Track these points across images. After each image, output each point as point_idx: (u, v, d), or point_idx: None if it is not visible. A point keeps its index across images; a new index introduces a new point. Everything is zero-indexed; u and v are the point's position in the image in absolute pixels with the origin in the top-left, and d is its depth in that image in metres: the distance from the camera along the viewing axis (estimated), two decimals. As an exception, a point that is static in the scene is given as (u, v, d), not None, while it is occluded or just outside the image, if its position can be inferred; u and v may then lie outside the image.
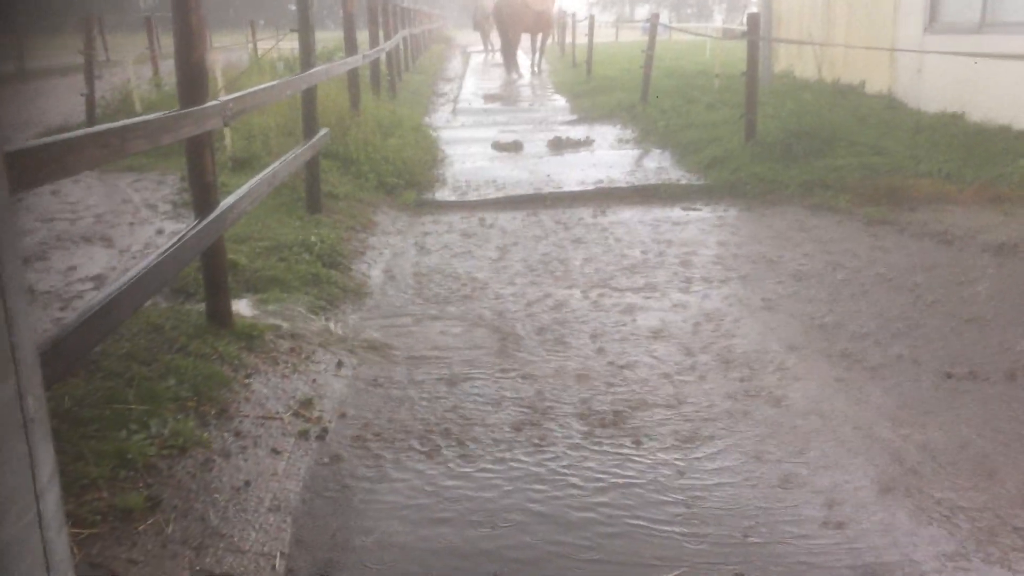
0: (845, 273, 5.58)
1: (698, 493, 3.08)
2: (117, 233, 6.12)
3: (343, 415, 3.76)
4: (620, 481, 3.16)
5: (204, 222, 3.73)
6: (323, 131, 6.79)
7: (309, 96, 6.51)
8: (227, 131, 7.90)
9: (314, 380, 4.08)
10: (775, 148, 8.69)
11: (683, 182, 8.37)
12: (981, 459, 3.27)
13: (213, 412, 3.52)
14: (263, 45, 19.45)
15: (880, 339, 4.47)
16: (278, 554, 2.75)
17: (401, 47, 17.58)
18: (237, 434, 3.44)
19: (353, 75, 9.82)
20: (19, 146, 2.03)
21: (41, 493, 1.22)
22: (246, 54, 21.82)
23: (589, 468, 3.26)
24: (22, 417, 1.18)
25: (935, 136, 9.06)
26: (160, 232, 6.10)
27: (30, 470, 1.19)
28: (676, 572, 2.60)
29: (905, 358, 4.22)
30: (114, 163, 8.24)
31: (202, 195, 3.89)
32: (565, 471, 3.25)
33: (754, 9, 13.41)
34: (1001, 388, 3.87)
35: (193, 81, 3.75)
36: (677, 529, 2.86)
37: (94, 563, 2.55)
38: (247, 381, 3.87)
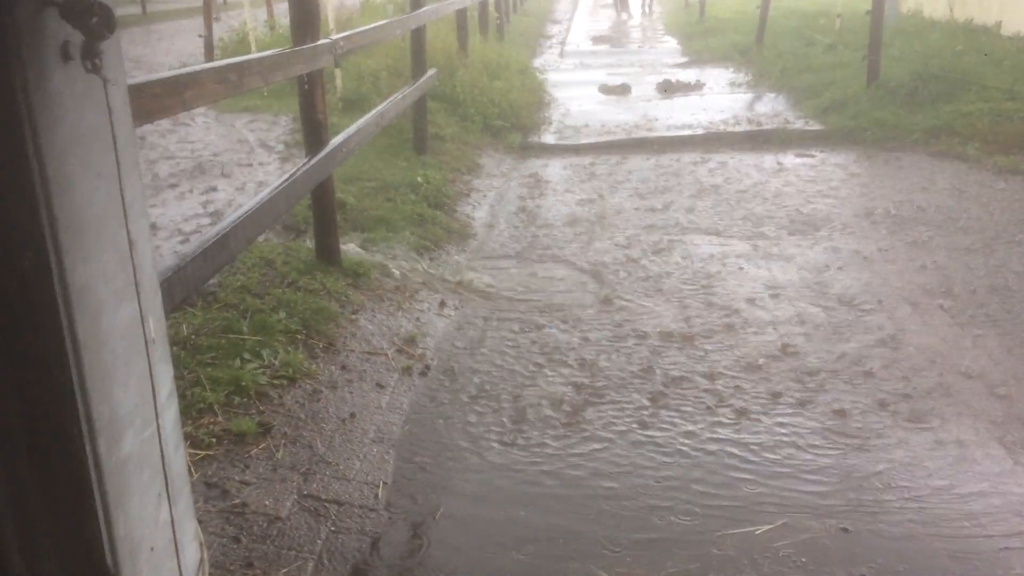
0: (969, 226, 5.28)
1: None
2: (233, 170, 6.32)
3: (445, 353, 3.82)
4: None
5: (315, 159, 3.80)
6: (431, 71, 6.80)
7: (418, 36, 6.52)
8: (337, 72, 8.01)
9: (417, 319, 4.15)
10: (899, 92, 8.24)
11: (798, 127, 8.05)
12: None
13: (321, 345, 3.63)
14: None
15: (1001, 296, 4.23)
16: (381, 484, 2.83)
17: (509, -12, 17.37)
18: (343, 367, 3.54)
19: (461, 16, 9.77)
20: (141, 79, 2.10)
21: (161, 410, 1.28)
22: (356, -2, 22.03)
23: (680, 412, 3.23)
24: (144, 337, 1.23)
25: (1078, 80, 8.40)
26: (273, 169, 6.27)
27: (151, 388, 1.25)
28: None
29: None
30: (231, 104, 8.49)
31: (313, 133, 3.96)
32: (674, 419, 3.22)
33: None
34: None
35: (305, 20, 3.79)
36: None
37: (209, 483, 2.69)
38: (353, 317, 3.96)
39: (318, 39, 3.82)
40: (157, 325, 1.28)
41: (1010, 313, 4.03)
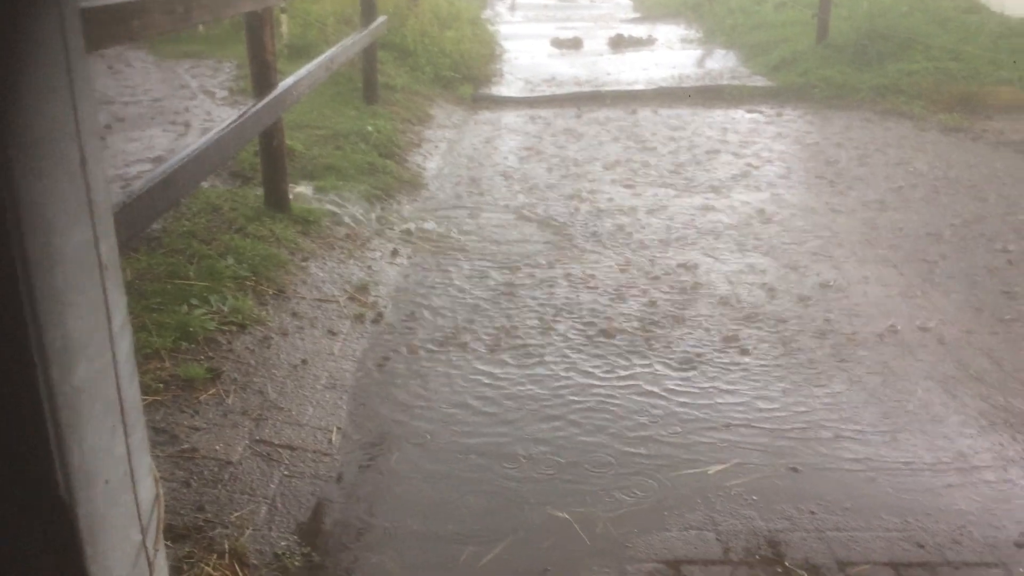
0: (911, 179, 5.38)
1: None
2: (176, 116, 6.12)
3: (397, 300, 3.78)
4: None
5: (263, 102, 3.69)
6: (381, 19, 6.65)
7: (368, -19, 6.36)
8: (283, 18, 7.78)
9: (370, 267, 4.10)
10: (847, 51, 8.33)
11: (748, 84, 8.09)
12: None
13: (271, 292, 3.56)
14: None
15: (936, 243, 4.34)
16: (335, 429, 2.81)
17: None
18: (294, 314, 3.48)
19: (412, -37, 9.55)
20: (87, 4, 2.00)
21: (115, 339, 1.23)
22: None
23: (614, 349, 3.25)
24: (98, 262, 1.18)
25: (1018, 42, 8.57)
26: (217, 116, 6.09)
27: (105, 315, 1.20)
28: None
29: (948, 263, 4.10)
30: (171, 49, 8.21)
31: (261, 74, 3.85)
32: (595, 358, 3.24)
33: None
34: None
35: (253, -45, 3.65)
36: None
37: (157, 428, 2.63)
38: (304, 264, 3.89)
39: (267, -24, 3.70)
40: (110, 250, 1.22)
41: (946, 259, 4.13)
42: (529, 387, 3.07)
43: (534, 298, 3.80)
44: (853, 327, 3.51)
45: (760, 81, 8.17)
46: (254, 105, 3.68)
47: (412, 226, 4.68)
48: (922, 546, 2.26)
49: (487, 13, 13.20)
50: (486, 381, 3.11)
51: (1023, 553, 2.23)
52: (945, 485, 2.51)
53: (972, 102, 7.05)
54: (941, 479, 2.54)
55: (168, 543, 2.14)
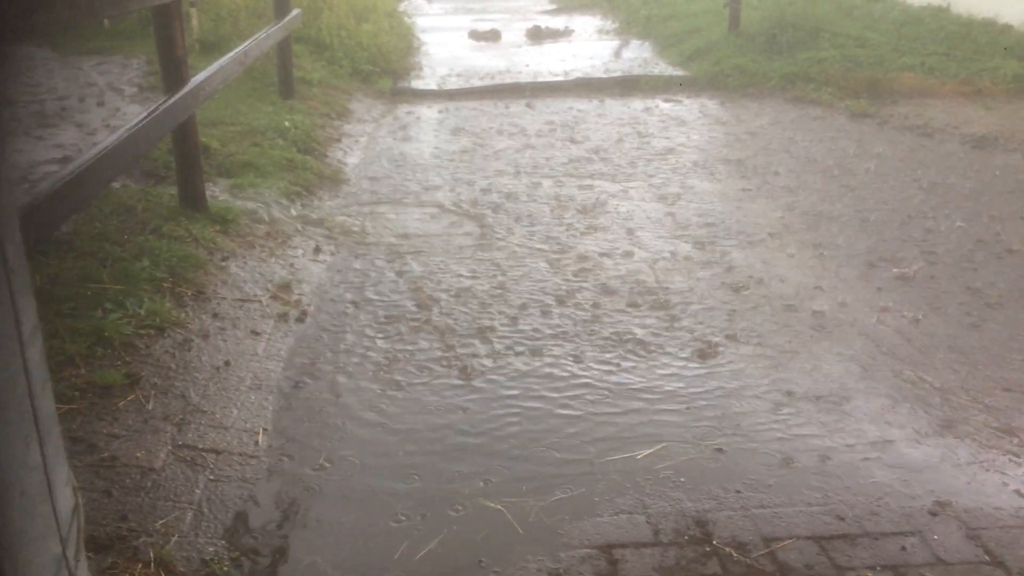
0: (820, 163, 5.55)
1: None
2: (82, 116, 5.91)
3: (322, 297, 3.73)
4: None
5: (175, 97, 3.59)
6: (295, 12, 6.53)
7: (280, -27, 6.23)
8: (193, 12, 7.58)
9: (292, 264, 4.03)
10: (758, 40, 8.52)
11: (665, 73, 8.21)
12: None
13: (190, 293, 3.47)
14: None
15: (846, 224, 4.49)
16: (261, 430, 2.75)
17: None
18: (215, 315, 3.40)
19: (324, -45, 9.40)
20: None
21: (25, 345, 1.19)
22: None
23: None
24: (3, 265, 1.13)
25: (919, 29, 8.92)
26: (126, 114, 5.90)
27: (14, 320, 1.15)
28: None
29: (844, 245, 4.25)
30: (76, 46, 7.92)
31: (172, 70, 3.74)
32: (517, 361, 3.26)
33: None
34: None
35: (159, -53, 3.55)
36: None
37: (74, 437, 2.54)
38: (223, 264, 3.81)
39: (174, -32, 3.59)
40: (16, 253, 1.18)
41: (851, 237, 4.28)
42: (454, 376, 3.07)
43: (455, 287, 3.80)
44: (765, 307, 3.60)
45: (675, 71, 8.30)
46: (165, 101, 3.58)
47: (334, 222, 4.62)
48: (842, 519, 2.34)
49: (404, 5, 13.10)
50: (411, 369, 3.10)
51: (937, 521, 2.32)
52: (862, 459, 2.60)
53: (878, 88, 7.29)
54: (858, 454, 2.63)
55: (90, 554, 2.07)
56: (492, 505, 2.39)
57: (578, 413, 2.85)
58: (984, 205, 4.82)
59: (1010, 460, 2.60)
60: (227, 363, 3.10)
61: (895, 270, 3.96)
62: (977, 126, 6.28)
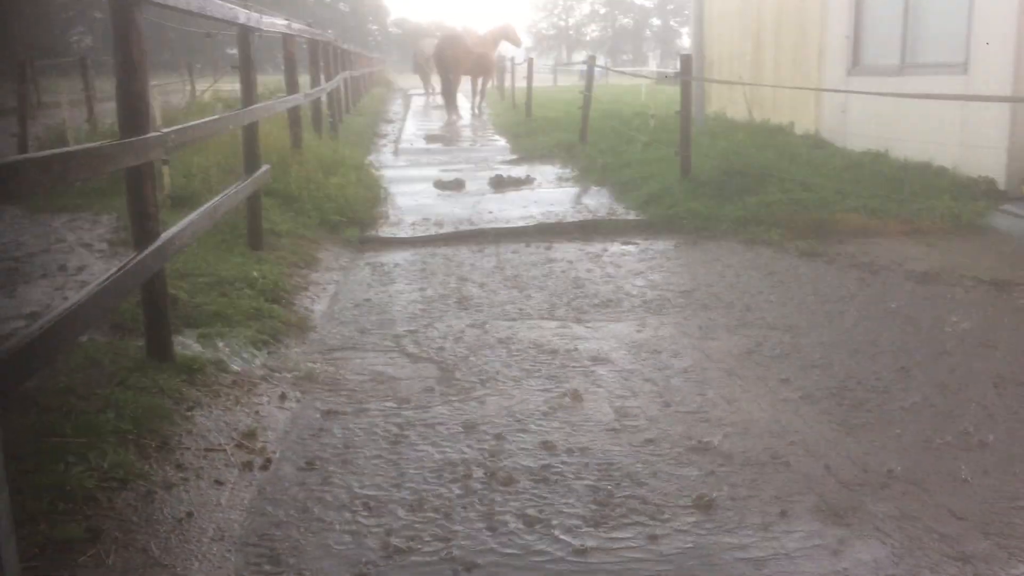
0: (774, 303, 5.76)
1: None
2: (50, 273, 6.00)
3: (287, 445, 3.75)
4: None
5: (145, 253, 3.71)
6: (264, 167, 6.79)
7: (251, 131, 6.53)
8: (165, 169, 7.83)
9: (257, 412, 4.06)
10: (709, 185, 8.95)
11: (622, 218, 8.55)
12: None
13: (154, 444, 3.48)
14: (200, 87, 19.36)
15: (805, 362, 4.64)
16: (222, 582, 2.72)
17: (342, 88, 17.65)
18: (179, 466, 3.40)
19: (295, 114, 9.84)
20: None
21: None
22: (183, 96, 21.67)
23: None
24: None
25: (860, 173, 9.44)
26: (95, 270, 6.00)
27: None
28: None
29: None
30: (45, 203, 8.10)
31: (142, 226, 3.88)
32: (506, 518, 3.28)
33: (687, 52, 13.85)
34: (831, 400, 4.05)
35: (135, 111, 3.75)
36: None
37: (32, 596, 2.50)
38: (189, 414, 3.83)
39: (148, 132, 3.78)
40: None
41: (809, 368, 4.41)
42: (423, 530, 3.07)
43: (424, 438, 3.84)
44: (729, 443, 3.68)
45: (632, 215, 8.65)
46: (135, 257, 3.69)
47: (300, 369, 4.67)
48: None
49: (373, 158, 13.59)
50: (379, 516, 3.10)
51: None
52: None
53: (824, 228, 7.65)
54: None
55: None
56: None
57: (542, 554, 2.85)
58: (931, 338, 5.01)
59: (968, 588, 2.63)
60: (190, 514, 3.08)
61: (854, 401, 4.08)
62: (919, 263, 6.59)
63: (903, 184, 8.71)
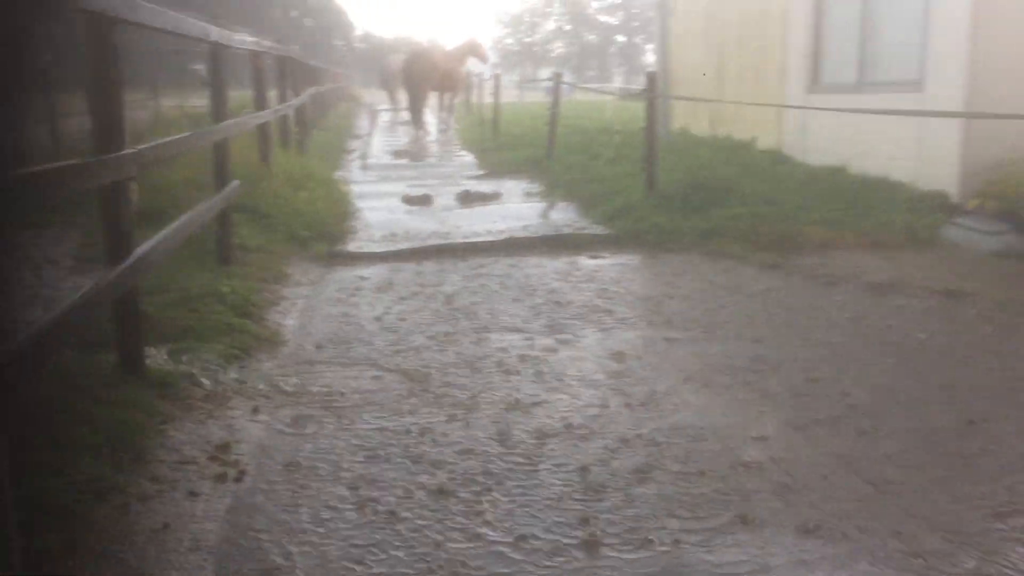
0: (737, 314, 5.92)
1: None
2: (18, 291, 5.98)
3: (261, 457, 3.80)
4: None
5: (118, 270, 3.75)
6: (234, 183, 6.84)
7: (221, 148, 6.57)
8: (134, 186, 7.82)
9: (230, 425, 4.11)
10: (674, 200, 9.12)
11: (588, 232, 8.69)
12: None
13: (128, 458, 3.52)
14: (165, 102, 19.27)
15: (764, 368, 4.78)
16: (200, 591, 2.78)
17: (309, 104, 17.68)
18: (154, 478, 3.44)
19: (263, 130, 9.88)
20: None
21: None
22: (147, 111, 21.53)
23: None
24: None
25: (820, 187, 9.68)
26: (64, 288, 6.00)
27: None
28: None
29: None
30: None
31: (114, 242, 3.92)
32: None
33: (652, 69, 14.09)
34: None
35: (111, 129, 3.80)
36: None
37: (11, 607, 2.53)
38: (162, 427, 3.87)
39: (124, 149, 3.84)
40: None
41: (769, 373, 4.55)
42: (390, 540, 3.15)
43: (392, 444, 3.91)
44: (686, 448, 3.80)
45: (599, 229, 8.79)
46: (108, 274, 3.73)
47: (272, 382, 4.72)
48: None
49: (341, 174, 13.63)
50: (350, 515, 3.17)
51: None
52: (784, 588, 2.73)
53: (786, 241, 7.83)
54: None
55: None
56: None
57: None
58: (887, 345, 5.19)
59: (919, 583, 2.76)
60: (166, 525, 3.13)
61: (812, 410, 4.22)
62: (876, 274, 6.80)
63: (861, 198, 8.95)
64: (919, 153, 9.25)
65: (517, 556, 2.99)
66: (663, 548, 3.02)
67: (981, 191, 8.15)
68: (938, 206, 8.59)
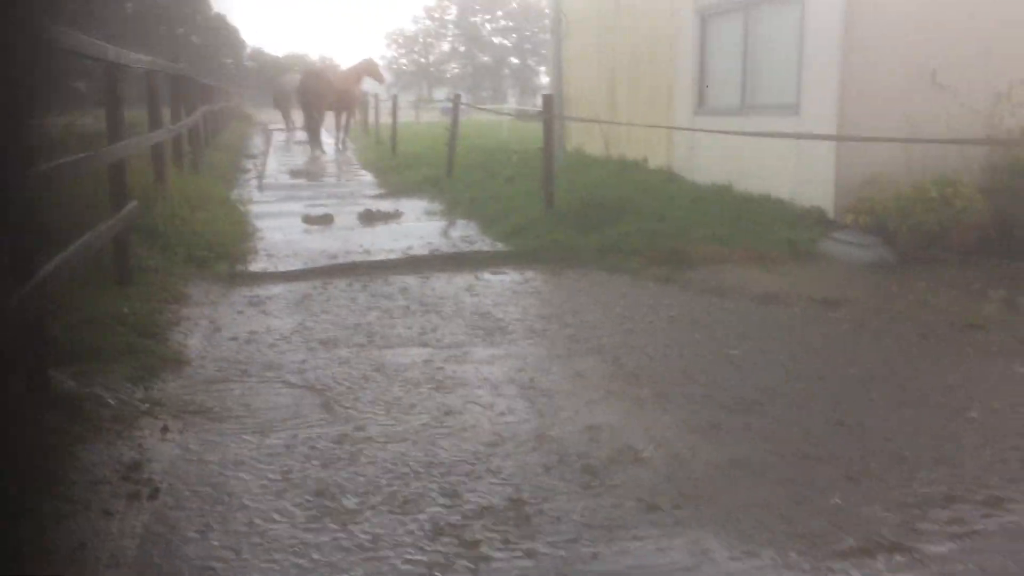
0: (632, 326, 6.22)
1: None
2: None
3: (174, 475, 3.82)
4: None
5: (24, 290, 3.73)
6: (132, 203, 6.75)
7: (118, 168, 6.49)
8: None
9: (140, 444, 4.10)
10: (571, 217, 9.44)
11: (490, 249, 8.90)
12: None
13: (40, 479, 3.49)
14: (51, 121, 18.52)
15: (656, 373, 5.08)
16: (123, 605, 2.81)
17: (201, 123, 17.36)
18: (67, 499, 3.43)
19: (158, 149, 9.72)
20: None
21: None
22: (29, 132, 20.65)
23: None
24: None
25: (708, 205, 10.18)
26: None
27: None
28: None
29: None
30: None
31: (21, 262, 3.88)
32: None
33: (547, 91, 14.49)
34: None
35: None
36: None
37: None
38: (72, 448, 3.84)
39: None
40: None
41: (661, 379, 4.84)
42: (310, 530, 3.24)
43: (307, 459, 4.00)
44: (588, 448, 4.02)
45: (500, 246, 9.02)
46: (12, 296, 3.69)
47: (179, 402, 4.72)
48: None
49: (237, 194, 13.46)
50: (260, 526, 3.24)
51: None
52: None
53: (678, 257, 8.22)
54: (680, 568, 3.00)
55: None
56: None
57: None
58: (771, 348, 5.57)
59: (803, 562, 3.05)
60: (83, 544, 3.14)
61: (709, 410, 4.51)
62: (761, 286, 7.24)
63: (746, 215, 9.47)
64: (797, 172, 9.85)
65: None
66: (572, 543, 3.21)
67: (854, 207, 8.76)
68: (816, 221, 9.17)
